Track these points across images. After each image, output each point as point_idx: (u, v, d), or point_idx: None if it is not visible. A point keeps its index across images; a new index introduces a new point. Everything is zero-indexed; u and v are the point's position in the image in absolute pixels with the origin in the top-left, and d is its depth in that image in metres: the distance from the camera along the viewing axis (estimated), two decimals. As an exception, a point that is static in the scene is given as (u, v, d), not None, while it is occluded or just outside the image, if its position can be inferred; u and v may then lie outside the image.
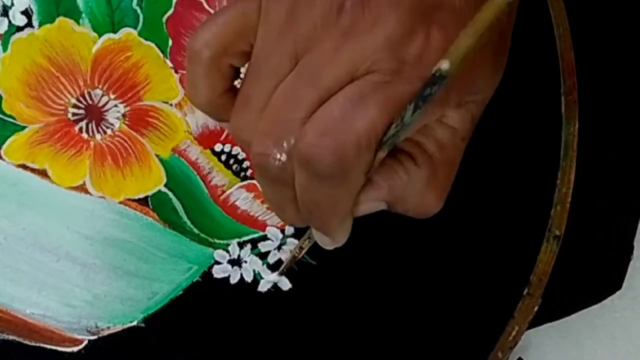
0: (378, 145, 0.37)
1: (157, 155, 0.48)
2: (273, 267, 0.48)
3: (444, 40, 0.37)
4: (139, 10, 0.48)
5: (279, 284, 0.48)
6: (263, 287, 0.48)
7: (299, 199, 0.39)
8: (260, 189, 0.46)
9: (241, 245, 0.48)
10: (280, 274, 0.47)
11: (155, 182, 0.48)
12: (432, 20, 0.37)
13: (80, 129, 0.48)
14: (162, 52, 0.48)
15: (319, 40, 0.37)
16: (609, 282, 0.51)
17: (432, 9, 0.37)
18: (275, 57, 0.38)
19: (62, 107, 0.48)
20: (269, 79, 0.38)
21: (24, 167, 0.48)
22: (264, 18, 0.39)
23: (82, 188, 0.48)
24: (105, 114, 0.48)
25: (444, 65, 0.33)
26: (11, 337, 0.47)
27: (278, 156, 0.38)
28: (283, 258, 0.48)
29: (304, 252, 0.46)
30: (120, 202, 0.48)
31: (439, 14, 0.37)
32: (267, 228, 0.48)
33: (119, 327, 0.47)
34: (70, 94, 0.48)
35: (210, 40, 0.39)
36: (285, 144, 0.38)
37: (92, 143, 0.48)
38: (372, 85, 0.37)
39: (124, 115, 0.48)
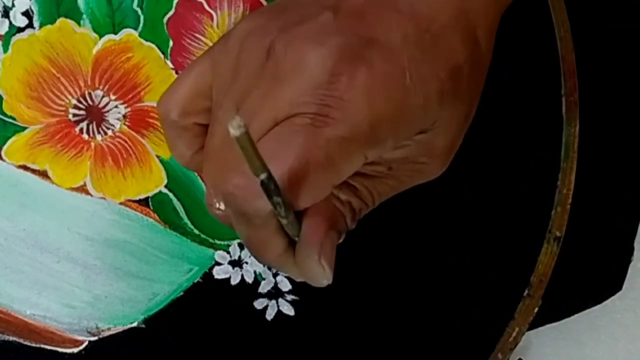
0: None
1: (157, 156, 0.48)
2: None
3: (368, 79, 0.36)
4: (139, 11, 0.48)
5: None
6: (264, 288, 0.48)
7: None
8: None
9: (242, 246, 0.48)
10: None
11: (155, 183, 0.48)
12: (358, 59, 0.36)
13: (81, 130, 0.48)
14: (163, 53, 0.48)
15: (253, 87, 0.38)
16: (609, 283, 0.51)
17: (361, 47, 0.37)
18: (222, 108, 0.39)
19: (63, 108, 0.48)
20: (218, 129, 0.39)
21: (25, 168, 0.48)
22: (215, 72, 0.40)
23: (82, 189, 0.48)
24: (106, 114, 0.48)
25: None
26: (11, 338, 0.47)
27: (217, 205, 0.40)
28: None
29: None
30: (121, 203, 0.48)
31: (368, 52, 0.36)
32: (268, 229, 0.48)
33: (119, 328, 0.47)
34: (71, 94, 0.48)
35: (171, 104, 0.42)
36: (217, 197, 0.40)
37: (92, 144, 0.48)
38: (292, 128, 0.36)
39: (124, 116, 0.48)
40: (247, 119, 0.37)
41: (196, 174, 0.48)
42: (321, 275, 0.40)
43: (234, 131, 0.31)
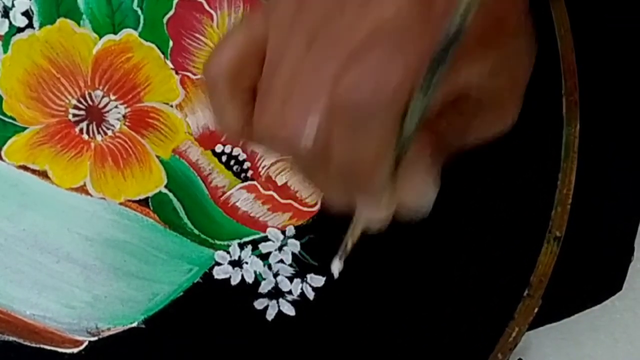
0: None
1: (157, 157, 0.48)
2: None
3: None
4: (139, 12, 0.48)
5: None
6: (264, 288, 0.48)
7: (337, 165, 0.37)
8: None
9: (242, 246, 0.48)
10: (341, 259, 0.46)
11: (155, 183, 0.48)
12: None
13: (81, 130, 0.48)
14: (163, 53, 0.48)
15: (335, 15, 0.36)
16: (609, 284, 0.51)
17: None
18: (291, 45, 0.37)
19: (63, 109, 0.48)
20: (288, 65, 0.37)
21: (25, 168, 0.48)
22: (274, 16, 0.38)
23: (82, 189, 0.48)
24: (106, 115, 0.48)
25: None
26: (11, 338, 0.47)
27: (307, 130, 0.36)
28: (284, 259, 0.48)
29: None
30: (121, 203, 0.48)
31: None
32: (268, 229, 0.48)
33: (119, 328, 0.47)
34: (71, 95, 0.48)
35: (223, 66, 0.39)
36: (311, 117, 0.36)
37: (92, 144, 0.48)
38: (406, 35, 0.35)
39: (124, 117, 0.48)
40: (336, 37, 0.36)
41: (196, 174, 0.48)
42: (426, 191, 0.38)
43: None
